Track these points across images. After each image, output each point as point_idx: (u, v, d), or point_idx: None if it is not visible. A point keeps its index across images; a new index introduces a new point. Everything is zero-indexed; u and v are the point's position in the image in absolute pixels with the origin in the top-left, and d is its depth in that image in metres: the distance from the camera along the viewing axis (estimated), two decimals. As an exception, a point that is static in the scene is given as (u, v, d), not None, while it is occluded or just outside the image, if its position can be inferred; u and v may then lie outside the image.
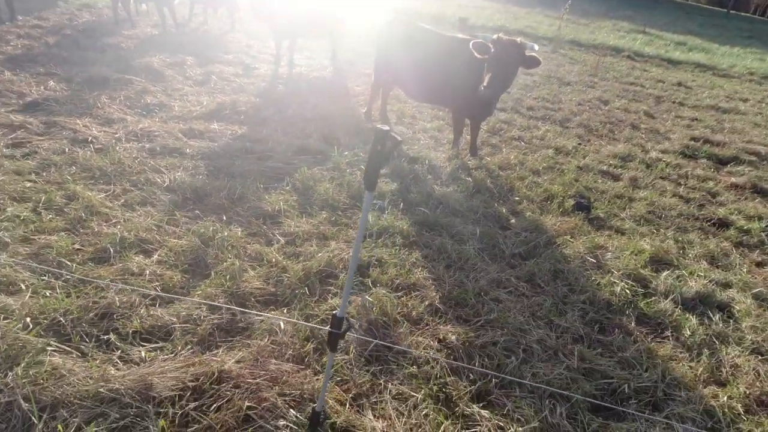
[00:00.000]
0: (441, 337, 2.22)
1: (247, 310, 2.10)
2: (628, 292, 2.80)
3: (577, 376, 2.13)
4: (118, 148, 3.55)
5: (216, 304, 2.11)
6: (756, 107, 9.22)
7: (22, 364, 1.63)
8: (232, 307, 2.09)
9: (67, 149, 3.39)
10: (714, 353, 2.45)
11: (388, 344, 2.08)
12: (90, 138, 3.64)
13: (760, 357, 2.48)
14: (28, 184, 2.84)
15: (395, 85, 5.23)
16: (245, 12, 9.77)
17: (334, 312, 1.47)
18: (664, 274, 3.05)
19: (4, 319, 1.82)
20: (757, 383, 2.28)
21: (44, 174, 3.03)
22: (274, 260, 2.53)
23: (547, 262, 2.97)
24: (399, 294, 2.48)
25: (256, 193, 3.22)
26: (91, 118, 4.04)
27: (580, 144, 5.54)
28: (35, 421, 1.47)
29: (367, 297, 2.34)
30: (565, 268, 2.95)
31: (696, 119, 7.49)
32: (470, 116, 4.53)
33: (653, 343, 2.46)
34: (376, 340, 2.07)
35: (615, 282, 2.87)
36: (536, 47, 3.98)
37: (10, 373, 1.59)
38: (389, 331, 2.18)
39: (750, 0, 63.00)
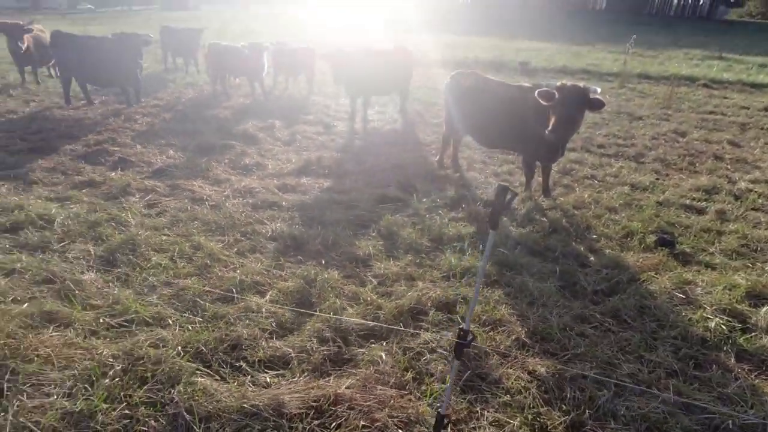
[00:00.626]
0: (530, 369, 2.34)
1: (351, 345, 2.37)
2: (724, 327, 2.74)
3: (675, 410, 2.13)
4: (227, 204, 4.12)
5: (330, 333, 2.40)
6: None
7: (181, 384, 1.99)
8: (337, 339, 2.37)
9: (188, 207, 4.00)
10: (829, 391, 2.32)
11: (482, 374, 2.24)
12: (205, 197, 4.25)
13: None
14: (164, 238, 3.40)
15: (465, 134, 5.54)
16: (321, 77, 10.78)
17: (461, 326, 1.74)
18: (765, 309, 2.94)
19: (162, 347, 2.22)
20: None
21: (174, 228, 3.60)
22: (369, 299, 2.81)
23: (631, 298, 2.99)
24: (486, 329, 2.64)
25: (347, 240, 3.57)
26: (204, 179, 4.71)
27: (657, 179, 5.44)
28: (196, 430, 1.80)
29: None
30: (651, 304, 2.95)
31: (790, 146, 7.04)
32: (540, 159, 4.69)
33: (758, 380, 2.39)
34: (469, 371, 2.24)
35: (708, 317, 2.81)
36: (599, 90, 4.14)
37: (173, 390, 1.96)
38: (481, 362, 2.34)
39: None
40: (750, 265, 3.58)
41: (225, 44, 8.88)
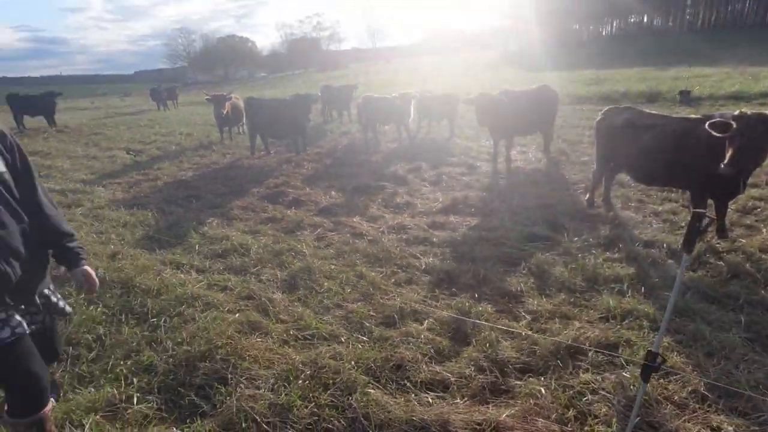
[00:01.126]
0: (714, 426, 2.11)
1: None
2: None
3: None
4: (383, 239, 4.53)
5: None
6: None
7: (357, 393, 2.28)
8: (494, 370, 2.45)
9: (350, 241, 4.51)
10: None
11: (653, 422, 2.10)
12: (363, 232, 4.74)
13: None
14: (332, 267, 3.89)
15: (619, 172, 5.25)
16: (461, 120, 11.20)
17: (649, 348, 1.76)
18: None
19: (339, 359, 2.57)
20: None
21: (340, 259, 4.10)
22: (523, 334, 2.84)
23: None
24: (655, 375, 2.46)
25: (497, 275, 3.65)
26: (361, 217, 5.26)
27: None
28: (372, 434, 2.05)
29: (624, 374, 2.41)
30: None
31: None
32: (713, 196, 4.22)
33: None
34: (638, 417, 2.12)
35: None
36: None
37: (351, 398, 2.25)
38: (652, 410, 2.19)
39: None
40: None
41: (376, 96, 9.87)
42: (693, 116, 4.37)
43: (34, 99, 16.37)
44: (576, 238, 4.30)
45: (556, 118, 8.15)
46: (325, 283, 3.57)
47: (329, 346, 2.75)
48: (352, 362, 2.55)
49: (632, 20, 69.41)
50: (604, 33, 69.10)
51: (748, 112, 3.65)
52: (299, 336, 2.88)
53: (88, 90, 38.09)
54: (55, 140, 13.10)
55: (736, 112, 3.72)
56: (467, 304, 3.18)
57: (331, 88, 14.33)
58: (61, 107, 17.46)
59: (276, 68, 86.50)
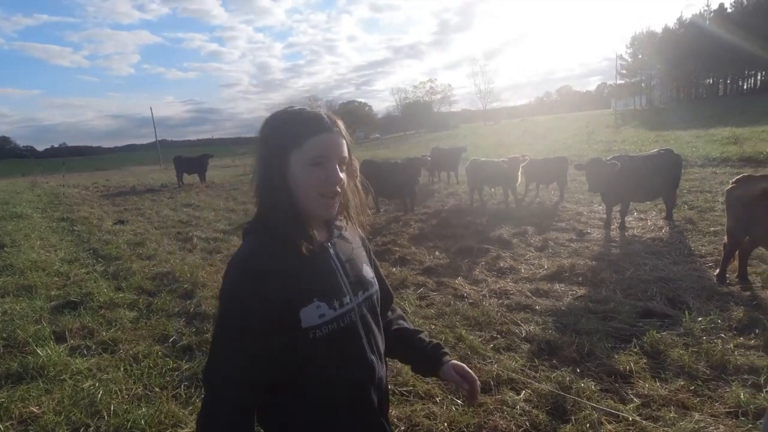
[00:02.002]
0: None
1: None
2: None
3: None
4: (484, 303, 4.57)
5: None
6: None
7: None
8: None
9: (451, 302, 4.62)
10: None
11: None
12: (465, 294, 4.83)
13: None
14: (432, 326, 4.03)
15: (757, 246, 4.71)
16: (572, 184, 10.85)
17: None
18: None
19: (432, 419, 2.66)
20: None
21: (440, 319, 4.22)
22: (631, 419, 2.66)
23: None
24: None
25: (604, 351, 3.47)
26: (464, 278, 5.36)
27: None
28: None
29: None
30: None
31: None
32: None
33: None
34: None
35: None
36: None
37: None
38: None
39: None
40: None
41: (484, 159, 10.10)
42: None
43: (193, 160, 19.62)
44: (701, 318, 3.91)
45: (682, 182, 7.56)
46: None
47: (424, 404, 2.85)
48: (445, 423, 2.62)
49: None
50: (745, 86, 62.49)
51: None
52: (396, 391, 3.04)
53: (231, 150, 44.43)
54: (203, 194, 15.42)
55: None
56: (568, 378, 3.07)
57: (441, 150, 14.93)
58: (210, 165, 20.55)
59: (390, 129, 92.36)
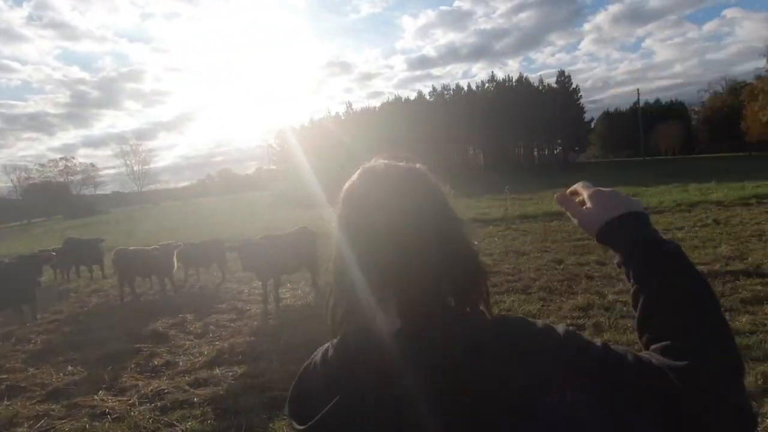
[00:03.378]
0: None
1: None
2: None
3: None
4: (132, 413, 3.95)
5: None
6: (691, 232, 10.41)
7: None
8: None
9: (87, 426, 3.77)
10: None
11: None
12: (107, 410, 4.05)
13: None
14: (57, 467, 3.15)
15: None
16: (234, 263, 11.18)
17: None
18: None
19: None
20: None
21: (69, 454, 3.36)
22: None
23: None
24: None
25: (262, 423, 3.56)
26: (107, 391, 4.51)
27: (543, 306, 6.17)
28: None
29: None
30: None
31: (641, 257, 8.42)
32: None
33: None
34: None
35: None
36: None
37: None
38: None
39: (659, 146, 73.94)
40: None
41: (132, 248, 9.15)
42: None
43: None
44: (337, 366, 4.60)
45: (322, 252, 8.94)
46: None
47: None
48: None
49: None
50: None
51: None
52: None
53: None
54: None
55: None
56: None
57: (77, 241, 12.64)
58: None
59: (4, 217, 71.34)
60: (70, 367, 5.24)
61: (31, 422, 3.96)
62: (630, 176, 32.02)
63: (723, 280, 6.40)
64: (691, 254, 8.03)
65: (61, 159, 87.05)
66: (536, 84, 76.72)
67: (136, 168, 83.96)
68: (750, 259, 7.34)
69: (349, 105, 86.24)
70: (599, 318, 5.38)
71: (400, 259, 0.77)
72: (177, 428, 3.62)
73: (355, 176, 0.87)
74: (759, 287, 5.94)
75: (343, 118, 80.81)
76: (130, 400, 4.26)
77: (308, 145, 70.36)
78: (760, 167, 29.92)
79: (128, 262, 8.67)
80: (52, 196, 74.70)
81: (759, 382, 3.57)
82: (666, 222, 12.26)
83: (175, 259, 8.90)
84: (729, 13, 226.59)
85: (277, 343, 5.59)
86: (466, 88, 78.02)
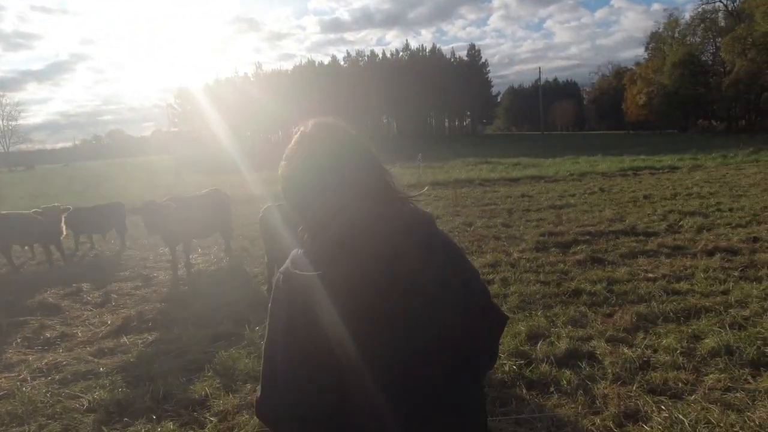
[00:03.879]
0: None
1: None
2: (515, 367, 3.40)
3: (489, 445, 2.55)
4: (24, 388, 3.56)
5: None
6: (581, 198, 11.59)
7: None
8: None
9: (-32, 407, 3.33)
10: (587, 391, 3.06)
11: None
12: (-8, 388, 3.60)
13: (620, 383, 3.15)
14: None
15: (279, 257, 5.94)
16: (135, 230, 10.29)
17: None
18: (539, 344, 3.75)
19: None
20: (621, 404, 2.90)
21: (-51, 436, 2.95)
22: (208, 439, 2.72)
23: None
24: None
25: (181, 386, 3.42)
26: (-11, 369, 4.00)
27: (456, 263, 6.54)
28: None
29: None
30: (463, 365, 3.50)
31: (541, 219, 9.22)
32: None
33: (541, 399, 3.01)
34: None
35: (503, 362, 3.47)
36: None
37: None
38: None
39: (555, 121, 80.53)
40: (528, 314, 4.52)
41: (5, 212, 8.00)
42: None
43: None
44: (258, 327, 4.51)
45: (237, 217, 8.58)
46: None
47: None
48: None
49: (294, 129, 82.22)
50: (273, 139, 78.79)
51: None
52: None
53: None
54: None
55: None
56: (143, 429, 2.83)
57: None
58: None
59: None
60: (-62, 346, 4.54)
61: None
62: (531, 148, 34.55)
63: (607, 238, 7.27)
64: (581, 218, 8.99)
65: None
66: (448, 56, 78.63)
67: (2, 124, 72.31)
68: (627, 221, 8.38)
69: (259, 66, 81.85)
70: (506, 273, 5.85)
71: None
72: (82, 399, 3.33)
73: (294, 139, 1.16)
74: (634, 244, 6.83)
75: (252, 79, 76.47)
76: (19, 375, 3.82)
77: (214, 107, 65.78)
78: (635, 143, 34.01)
79: (4, 228, 7.58)
80: None
81: (633, 320, 4.15)
82: (561, 189, 13.51)
83: (63, 225, 7.96)
84: (616, 2, 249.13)
85: (190, 309, 5.32)
86: (380, 56, 77.67)
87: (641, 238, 7.17)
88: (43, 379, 3.74)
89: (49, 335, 4.70)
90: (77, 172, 42.21)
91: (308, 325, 0.97)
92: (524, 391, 3.12)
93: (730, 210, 8.70)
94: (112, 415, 3.13)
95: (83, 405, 3.27)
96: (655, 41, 58.35)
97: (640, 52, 64.21)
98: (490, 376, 3.31)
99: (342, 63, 78.02)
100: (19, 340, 4.60)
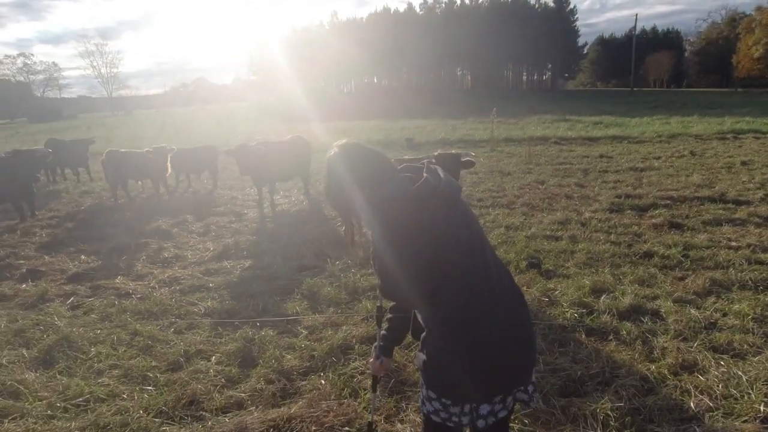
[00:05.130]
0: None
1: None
2: (576, 315, 3.62)
3: (546, 374, 2.86)
4: (155, 294, 4.36)
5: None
6: (667, 162, 10.91)
7: (150, 436, 2.28)
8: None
9: (116, 302, 4.18)
10: (646, 343, 3.24)
11: (402, 380, 2.80)
12: (131, 291, 4.45)
13: (681, 338, 3.28)
14: (98, 331, 3.57)
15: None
16: (224, 172, 11.29)
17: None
18: (603, 297, 3.92)
19: (125, 413, 2.47)
20: (680, 356, 3.05)
21: (107, 322, 3.77)
22: (303, 345, 3.27)
23: (511, 307, 3.80)
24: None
25: (275, 305, 4.03)
26: (125, 277, 4.89)
27: (525, 219, 6.65)
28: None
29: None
30: (526, 309, 3.78)
31: (619, 181, 8.92)
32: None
33: (600, 346, 3.24)
34: (393, 378, 2.79)
35: (565, 310, 3.70)
36: (472, 153, 5.20)
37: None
38: (400, 372, 2.90)
39: (648, 76, 72.86)
40: (594, 271, 4.64)
41: (125, 151, 9.14)
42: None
43: None
44: (337, 262, 5.04)
45: (312, 164, 9.16)
46: (93, 349, 3.28)
47: (110, 405, 2.60)
48: (140, 411, 2.50)
49: (365, 80, 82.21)
50: (345, 90, 79.31)
51: (443, 152, 5.08)
52: (70, 406, 2.62)
53: None
54: None
55: (436, 153, 5.12)
56: (251, 332, 3.44)
57: (61, 143, 12.39)
58: None
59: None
60: (83, 257, 5.57)
61: (62, 298, 4.35)
62: (616, 106, 32.10)
63: (690, 204, 6.96)
64: (664, 181, 8.59)
65: (18, 55, 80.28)
66: (533, 1, 72.99)
67: (103, 71, 78.56)
68: (717, 187, 7.89)
69: (335, 14, 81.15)
70: (575, 231, 5.90)
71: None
72: (199, 306, 4.06)
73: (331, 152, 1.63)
74: (721, 211, 6.51)
75: (327, 28, 76.22)
76: (150, 284, 4.66)
77: (291, 56, 66.92)
78: (742, 103, 30.37)
79: (120, 164, 8.72)
80: (13, 97, 70.36)
81: (706, 284, 4.15)
82: (645, 151, 12.74)
83: (169, 163, 8.97)
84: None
85: (277, 243, 5.99)
86: (459, 2, 73.79)
87: (730, 206, 6.80)
88: (167, 288, 4.54)
89: (166, 255, 5.57)
90: (168, 117, 45.63)
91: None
92: (583, 336, 3.36)
93: (842, 182, 7.88)
94: (224, 321, 3.80)
95: (201, 310, 3.98)
96: (786, -20, 50.10)
97: (764, -5, 55.13)
98: (550, 320, 3.58)
99: (418, 10, 75.28)
100: (144, 257, 5.51)
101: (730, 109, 25.56)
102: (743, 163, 10.05)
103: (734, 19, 62.68)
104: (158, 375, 2.94)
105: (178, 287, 4.55)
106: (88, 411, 2.56)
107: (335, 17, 78.44)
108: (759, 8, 52.72)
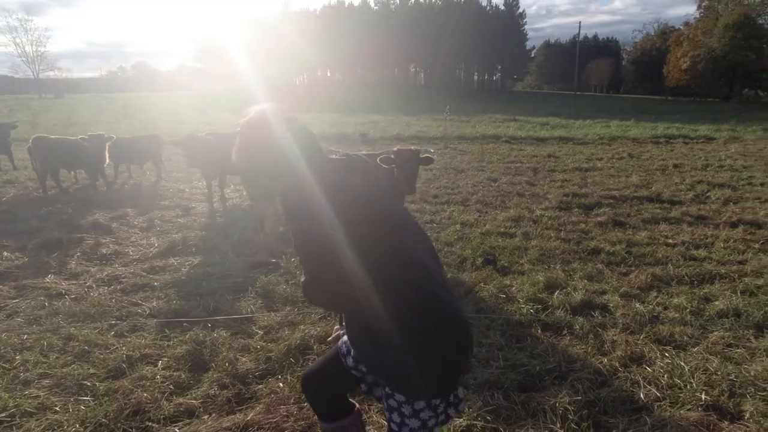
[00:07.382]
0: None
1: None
2: (532, 311, 3.70)
3: (505, 371, 2.89)
4: (92, 294, 4.02)
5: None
6: (609, 163, 11.51)
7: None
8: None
9: (46, 304, 3.81)
10: (598, 336, 3.36)
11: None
12: (63, 291, 4.07)
13: (628, 332, 3.43)
14: (25, 337, 3.23)
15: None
16: (170, 163, 10.69)
17: None
18: (556, 293, 4.03)
19: (58, 428, 2.23)
20: (628, 349, 3.18)
21: (35, 326, 3.42)
22: (258, 346, 3.12)
23: (470, 303, 3.83)
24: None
25: (228, 303, 3.82)
26: (57, 275, 4.47)
27: (479, 216, 6.76)
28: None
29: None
30: (484, 305, 3.82)
31: (566, 180, 9.29)
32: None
33: (555, 340, 3.32)
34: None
35: (522, 306, 3.77)
36: (431, 150, 5.18)
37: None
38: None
39: (590, 81, 77.03)
40: (547, 267, 4.77)
41: (56, 137, 8.41)
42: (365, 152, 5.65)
43: None
44: (293, 259, 4.88)
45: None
46: (18, 357, 2.95)
47: (39, 420, 2.34)
48: (76, 425, 2.27)
49: (318, 74, 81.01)
50: (297, 82, 77.68)
51: (403, 148, 5.03)
52: (-9, 422, 2.33)
53: None
54: None
55: (395, 148, 5.06)
56: (201, 334, 3.24)
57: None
58: None
59: None
60: (6, 253, 5.04)
61: (-18, 300, 3.91)
62: (561, 108, 33.56)
63: (630, 203, 7.36)
64: (607, 182, 9.03)
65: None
66: (484, 3, 74.82)
67: (28, 48, 71.98)
68: (653, 188, 8.40)
69: (287, 4, 79.35)
70: (527, 228, 6.06)
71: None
72: (143, 306, 3.77)
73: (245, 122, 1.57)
74: (658, 210, 6.92)
75: (279, 18, 74.33)
76: (86, 283, 4.28)
77: (239, 45, 64.72)
78: (673, 111, 32.68)
79: (50, 152, 7.99)
80: None
81: (648, 280, 4.37)
82: (589, 152, 13.37)
83: (106, 153, 8.35)
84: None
85: (229, 238, 5.72)
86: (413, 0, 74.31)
87: (665, 205, 7.25)
88: (106, 288, 4.20)
89: (105, 251, 5.16)
90: (105, 102, 42.70)
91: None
92: (539, 331, 3.43)
93: (762, 185, 8.62)
94: (170, 323, 3.55)
95: (145, 311, 3.71)
96: (710, -2, 54.40)
97: (691, 11, 59.87)
98: (508, 315, 3.63)
99: (373, 5, 75.05)
100: (79, 254, 5.07)
101: (662, 115, 27.45)
102: (675, 166, 10.78)
103: (665, 32, 67.26)
104: (97, 383, 2.68)
105: (118, 286, 4.22)
106: (14, 427, 2.29)
107: (287, 7, 76.71)
108: (687, 23, 57.12)
